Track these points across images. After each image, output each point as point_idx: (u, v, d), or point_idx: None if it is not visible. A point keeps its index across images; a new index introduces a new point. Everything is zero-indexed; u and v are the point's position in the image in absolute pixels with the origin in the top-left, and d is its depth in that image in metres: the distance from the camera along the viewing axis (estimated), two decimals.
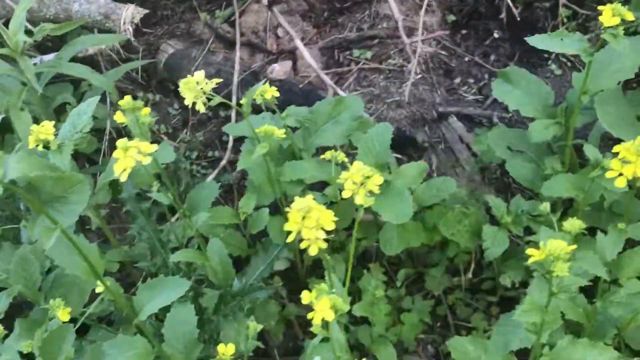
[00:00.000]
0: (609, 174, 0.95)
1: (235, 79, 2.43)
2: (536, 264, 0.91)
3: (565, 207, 1.63)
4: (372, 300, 1.62)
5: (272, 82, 2.55)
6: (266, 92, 1.57)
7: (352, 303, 1.71)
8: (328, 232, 0.89)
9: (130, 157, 0.97)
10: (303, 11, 2.88)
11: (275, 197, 1.60)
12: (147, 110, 1.20)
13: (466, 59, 2.61)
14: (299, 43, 2.26)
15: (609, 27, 1.19)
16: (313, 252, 0.88)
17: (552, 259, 0.87)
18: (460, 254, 1.68)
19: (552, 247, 0.88)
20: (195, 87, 1.28)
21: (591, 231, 1.65)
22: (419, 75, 2.46)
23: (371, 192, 1.01)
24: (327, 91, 2.43)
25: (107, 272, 1.57)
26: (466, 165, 2.14)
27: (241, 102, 1.45)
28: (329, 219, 0.86)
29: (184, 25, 2.93)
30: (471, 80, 2.51)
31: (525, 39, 1.35)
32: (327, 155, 1.56)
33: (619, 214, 1.49)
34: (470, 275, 1.81)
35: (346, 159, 1.57)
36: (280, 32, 2.72)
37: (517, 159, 1.56)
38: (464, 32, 2.73)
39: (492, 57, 2.61)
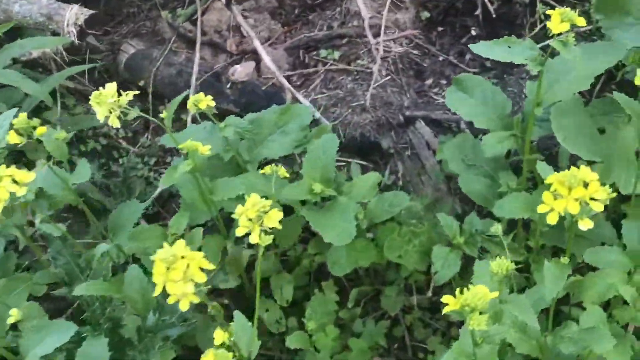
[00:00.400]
0: (540, 208, 0.83)
1: (194, 81, 2.32)
2: (454, 313, 0.80)
3: (527, 223, 1.51)
4: (319, 324, 1.51)
5: (234, 84, 2.45)
6: (200, 102, 1.45)
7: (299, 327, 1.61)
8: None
9: (2, 189, 0.86)
10: (272, 8, 2.76)
11: (211, 214, 1.49)
12: (43, 129, 1.08)
13: (440, 58, 2.48)
14: (257, 44, 2.14)
15: (558, 34, 1.06)
16: (183, 307, 0.77)
17: (469, 310, 0.76)
18: (414, 273, 1.56)
19: (468, 297, 0.76)
20: (107, 101, 1.16)
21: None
22: (388, 77, 2.33)
23: (271, 228, 0.90)
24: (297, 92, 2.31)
25: (32, 296, 1.46)
26: (432, 173, 2.02)
27: (162, 115, 1.33)
28: (199, 273, 0.74)
29: (149, 23, 2.82)
30: (443, 82, 2.38)
31: (470, 46, 1.23)
32: (267, 170, 1.44)
33: (580, 235, 1.37)
34: (430, 293, 1.70)
35: (286, 174, 1.46)
36: (244, 31, 2.60)
37: (471, 174, 1.44)
38: (440, 29, 2.60)
39: (468, 57, 2.48)
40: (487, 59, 2.45)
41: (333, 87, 2.35)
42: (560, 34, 1.06)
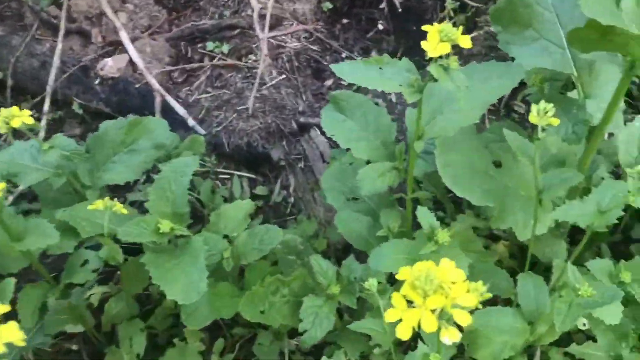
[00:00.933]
0: (388, 316, 0.60)
1: (52, 77, 1.98)
2: None
3: None
4: None
5: (105, 80, 2.13)
6: (12, 118, 1.15)
7: None
8: None
9: None
10: None
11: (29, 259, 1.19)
12: None
13: (343, 55, 2.23)
14: (123, 35, 1.82)
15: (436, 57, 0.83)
16: None
17: None
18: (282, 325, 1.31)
19: None
20: None
21: None
22: (282, 76, 2.07)
23: None
24: (168, 94, 2.01)
25: None
26: None
27: None
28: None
29: (15, 4, 2.44)
30: (345, 83, 2.14)
31: (331, 66, 0.98)
32: (99, 204, 1.15)
33: None
34: None
35: (125, 210, 1.18)
36: (122, 17, 2.26)
37: (350, 210, 1.21)
38: (345, 21, 2.35)
39: (373, 54, 2.25)
40: (395, 56, 2.22)
41: (219, 86, 2.07)
42: (440, 57, 0.83)
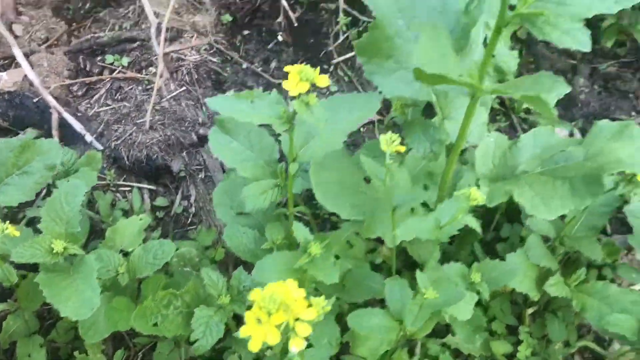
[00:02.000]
0: (241, 332, 0.69)
1: None
2: None
3: None
4: None
5: (1, 94, 2.11)
6: None
7: None
8: None
9: None
10: (57, 2, 2.42)
11: None
12: None
13: (244, 66, 2.31)
14: (17, 52, 1.82)
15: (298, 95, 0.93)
16: None
17: None
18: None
19: None
20: None
21: None
22: (182, 88, 2.12)
23: None
24: (70, 107, 2.03)
25: None
26: None
27: None
28: None
29: None
30: None
31: (206, 100, 1.07)
32: None
33: (350, 287, 1.28)
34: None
35: (17, 233, 1.22)
36: (17, 29, 2.25)
37: (239, 224, 1.30)
38: (245, 33, 2.42)
39: (273, 64, 2.34)
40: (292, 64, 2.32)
41: (120, 99, 2.10)
42: (300, 94, 0.93)
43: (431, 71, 0.80)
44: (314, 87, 0.96)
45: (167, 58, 2.16)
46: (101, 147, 1.85)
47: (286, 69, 0.95)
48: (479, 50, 1.16)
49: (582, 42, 0.89)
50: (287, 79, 2.31)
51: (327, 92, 2.18)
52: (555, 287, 1.35)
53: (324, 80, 0.94)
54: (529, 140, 1.35)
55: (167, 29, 2.28)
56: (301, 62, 2.34)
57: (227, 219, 1.33)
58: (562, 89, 0.93)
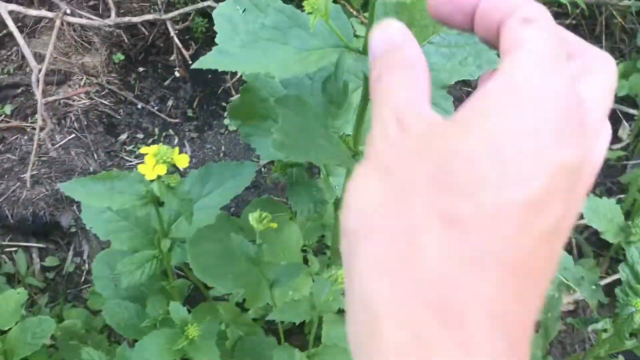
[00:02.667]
0: None
1: None
2: None
3: None
4: None
5: None
6: None
7: None
8: None
9: None
10: None
11: None
12: None
13: (139, 106, 2.22)
14: None
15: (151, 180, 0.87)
16: None
17: None
18: None
19: None
20: None
21: None
22: (72, 136, 2.01)
23: None
24: None
25: None
26: None
27: None
28: None
29: None
30: (140, 136, 2.13)
31: (59, 185, 0.99)
32: None
33: None
34: None
35: None
36: None
37: (118, 299, 1.22)
38: (141, 70, 2.33)
39: (170, 103, 2.26)
40: (191, 106, 2.26)
41: (3, 151, 1.97)
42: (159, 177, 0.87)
43: (291, 148, 0.76)
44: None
45: (54, 104, 2.05)
46: None
47: (142, 150, 0.89)
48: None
49: (445, 108, 0.87)
50: (185, 117, 2.23)
51: (226, 132, 2.13)
52: None
53: (183, 161, 0.89)
54: None
55: (54, 72, 2.16)
56: (199, 100, 2.27)
57: (108, 292, 1.25)
58: None
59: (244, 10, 1.16)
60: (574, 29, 2.24)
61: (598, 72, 0.41)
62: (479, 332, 0.30)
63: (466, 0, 0.43)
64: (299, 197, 1.17)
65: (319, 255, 1.69)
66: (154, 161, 0.86)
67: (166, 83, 2.31)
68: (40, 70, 1.96)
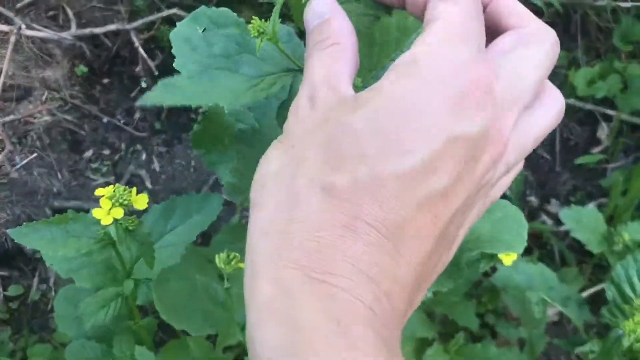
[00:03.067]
0: None
1: None
2: None
3: None
4: None
5: None
6: None
7: None
8: None
9: None
10: None
11: None
12: None
13: (104, 120, 2.13)
14: None
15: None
16: None
17: None
18: None
19: None
20: None
21: None
22: (34, 155, 1.92)
23: None
24: None
25: None
26: None
27: None
28: None
29: None
30: (106, 152, 2.05)
31: (8, 231, 0.92)
32: None
33: None
34: None
35: None
36: None
37: (83, 340, 1.14)
38: (105, 81, 2.24)
39: (137, 115, 2.18)
40: (159, 118, 2.18)
41: None
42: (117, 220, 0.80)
43: (247, 191, 0.70)
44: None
45: (13, 123, 1.95)
46: None
47: (97, 192, 0.82)
48: None
49: None
50: (152, 130, 2.15)
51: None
52: (434, 356, 1.29)
53: (142, 202, 0.82)
54: None
55: (13, 87, 2.07)
56: (167, 112, 2.19)
57: (72, 331, 1.17)
58: None
59: (203, 30, 1.09)
60: None
61: (531, 43, 0.41)
62: (344, 281, 0.33)
63: None
64: None
65: None
66: (109, 204, 0.79)
67: (132, 94, 2.22)
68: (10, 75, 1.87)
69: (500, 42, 0.41)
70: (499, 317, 1.61)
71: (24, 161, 1.89)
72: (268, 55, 0.82)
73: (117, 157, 2.01)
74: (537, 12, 2.13)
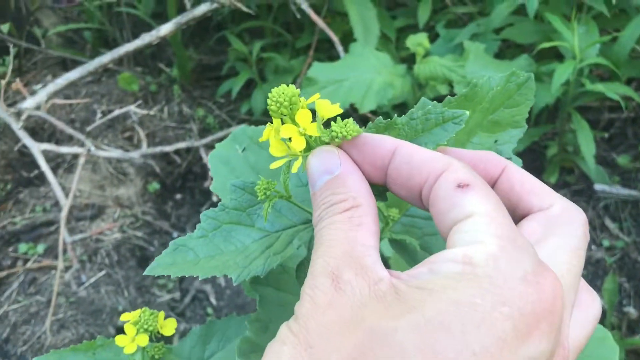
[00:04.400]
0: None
1: None
2: None
3: None
4: None
5: None
6: None
7: None
8: None
9: None
10: None
11: None
12: None
13: (175, 235, 2.15)
14: None
15: None
16: None
17: None
18: None
19: None
20: None
21: None
22: (102, 272, 1.94)
23: None
24: None
25: None
26: None
27: None
28: None
29: None
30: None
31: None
32: None
33: None
34: None
35: None
36: None
37: None
38: (178, 197, 2.28)
39: None
40: None
41: (33, 292, 1.91)
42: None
43: None
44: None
45: (84, 241, 2.00)
46: None
47: (122, 317, 0.77)
48: None
49: None
50: None
51: None
52: None
53: (170, 328, 0.75)
54: None
55: (88, 207, 2.14)
56: None
57: None
58: None
59: (243, 150, 1.05)
60: (632, 122, 2.05)
61: (564, 229, 0.36)
62: None
63: (379, 158, 0.38)
64: None
65: None
66: (134, 330, 0.73)
67: (203, 209, 2.24)
68: (72, 206, 1.93)
69: (529, 228, 0.36)
70: None
71: (92, 279, 1.91)
72: (285, 205, 0.75)
73: None
74: (618, 106, 2.00)
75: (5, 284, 1.95)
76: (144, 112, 1.74)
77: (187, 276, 0.62)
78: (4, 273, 1.95)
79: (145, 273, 0.59)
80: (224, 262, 0.62)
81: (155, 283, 1.98)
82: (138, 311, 0.81)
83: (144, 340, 0.77)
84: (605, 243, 1.85)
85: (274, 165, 0.56)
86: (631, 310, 1.67)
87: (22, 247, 2.01)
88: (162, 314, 0.80)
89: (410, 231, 0.74)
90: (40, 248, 2.01)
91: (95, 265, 1.95)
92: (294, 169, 0.55)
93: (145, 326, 0.76)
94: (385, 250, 1.17)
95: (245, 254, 0.62)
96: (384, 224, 0.75)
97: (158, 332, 0.80)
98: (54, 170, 2.26)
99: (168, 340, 0.87)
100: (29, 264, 1.97)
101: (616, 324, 1.64)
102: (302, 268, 0.73)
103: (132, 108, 1.71)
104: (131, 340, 0.77)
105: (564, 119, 1.80)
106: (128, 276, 1.96)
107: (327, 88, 1.70)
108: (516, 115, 0.76)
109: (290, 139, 0.48)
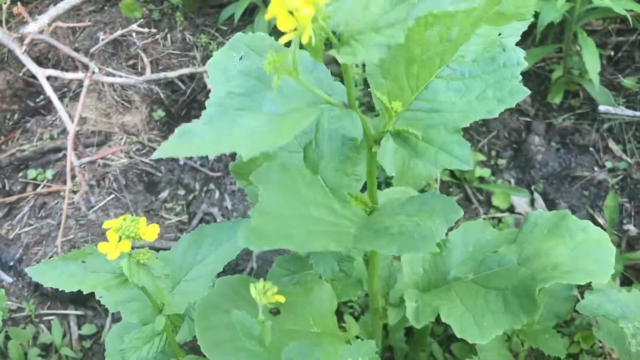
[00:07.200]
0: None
1: None
2: None
3: None
4: None
5: None
6: None
7: None
8: None
9: None
10: None
11: None
12: None
13: (181, 162, 2.17)
14: None
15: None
16: None
17: None
18: None
19: None
20: None
21: None
22: (111, 196, 1.98)
23: None
24: None
25: None
26: None
27: None
28: None
29: None
30: (181, 192, 2.07)
31: (26, 270, 0.91)
32: None
33: None
34: None
35: None
36: None
37: None
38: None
39: (213, 156, 2.20)
40: (234, 158, 2.18)
41: (43, 216, 1.95)
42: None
43: (270, 236, 0.64)
44: None
45: (92, 166, 2.02)
46: (10, 280, 1.68)
47: (105, 224, 0.79)
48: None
49: (460, 157, 0.72)
50: (227, 172, 2.15)
51: None
52: None
53: (152, 233, 0.78)
54: (459, 238, 1.18)
55: (95, 134, 2.16)
56: None
57: None
58: (454, 214, 0.76)
59: (240, 58, 1.06)
60: None
61: None
62: None
63: None
64: (320, 255, 1.04)
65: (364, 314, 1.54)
66: (116, 237, 0.76)
67: None
68: (77, 131, 1.95)
69: None
70: (597, 358, 1.44)
71: (101, 202, 1.95)
72: (291, 89, 0.75)
73: (191, 197, 2.03)
74: (628, 29, 1.97)
75: (17, 208, 1.99)
76: (146, 30, 1.73)
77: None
78: (15, 197, 1.99)
79: (152, 157, 0.61)
80: (231, 143, 0.64)
81: (164, 206, 2.01)
82: (120, 218, 0.83)
83: (127, 246, 0.79)
84: (609, 165, 1.86)
85: (283, 40, 0.57)
86: (631, 228, 1.70)
87: (32, 172, 2.04)
88: (144, 219, 0.82)
89: (413, 124, 0.76)
90: (49, 174, 2.04)
91: (103, 190, 1.99)
92: (304, 38, 0.55)
93: (127, 232, 0.79)
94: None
95: (253, 136, 0.64)
96: (388, 117, 0.76)
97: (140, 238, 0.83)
98: (60, 99, 2.26)
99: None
100: (39, 189, 2.00)
101: (616, 242, 1.67)
102: (309, 148, 0.75)
103: (134, 27, 1.70)
104: (114, 247, 0.79)
105: (569, 39, 1.79)
106: (136, 200, 1.99)
107: None
108: (521, 7, 0.76)
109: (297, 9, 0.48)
